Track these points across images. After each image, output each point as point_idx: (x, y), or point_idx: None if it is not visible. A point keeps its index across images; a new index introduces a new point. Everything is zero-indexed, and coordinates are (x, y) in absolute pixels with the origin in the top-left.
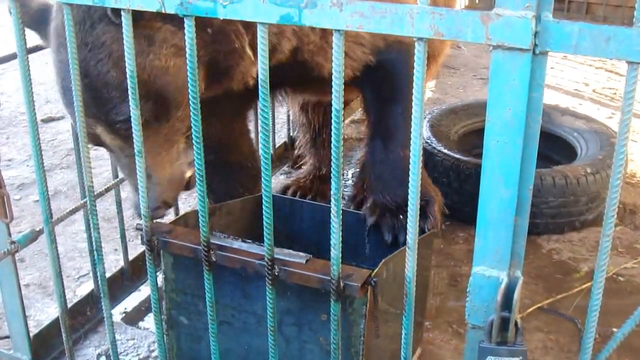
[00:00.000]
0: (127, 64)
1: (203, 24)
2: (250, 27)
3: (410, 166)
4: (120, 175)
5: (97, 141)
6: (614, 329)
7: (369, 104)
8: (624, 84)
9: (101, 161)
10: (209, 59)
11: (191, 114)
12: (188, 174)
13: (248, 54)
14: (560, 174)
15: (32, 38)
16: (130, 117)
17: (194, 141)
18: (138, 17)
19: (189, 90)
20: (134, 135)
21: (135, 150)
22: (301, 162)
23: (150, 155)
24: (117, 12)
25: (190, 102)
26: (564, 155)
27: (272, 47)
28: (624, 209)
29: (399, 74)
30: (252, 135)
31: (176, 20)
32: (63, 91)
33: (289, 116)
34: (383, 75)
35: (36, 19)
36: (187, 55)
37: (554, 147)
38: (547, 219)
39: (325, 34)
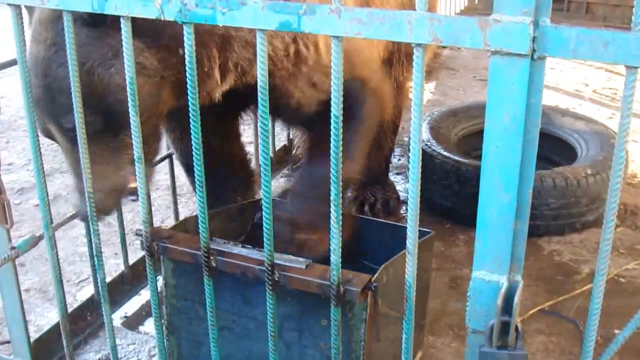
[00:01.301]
0: (126, 72)
1: (176, 46)
2: (225, 50)
3: (410, 169)
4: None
5: (49, 135)
6: (616, 331)
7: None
8: (623, 85)
9: None
10: (176, 79)
11: (191, 122)
12: (132, 184)
13: (215, 77)
14: (561, 175)
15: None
16: (86, 126)
17: (193, 149)
18: (102, 22)
19: (189, 99)
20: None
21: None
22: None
23: (94, 164)
24: (94, 14)
25: (190, 110)
26: (564, 156)
27: (242, 71)
28: (625, 209)
29: (362, 100)
30: (248, 139)
31: (148, 38)
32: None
33: None
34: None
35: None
36: (186, 63)
37: (554, 149)
38: (547, 221)
39: (299, 61)
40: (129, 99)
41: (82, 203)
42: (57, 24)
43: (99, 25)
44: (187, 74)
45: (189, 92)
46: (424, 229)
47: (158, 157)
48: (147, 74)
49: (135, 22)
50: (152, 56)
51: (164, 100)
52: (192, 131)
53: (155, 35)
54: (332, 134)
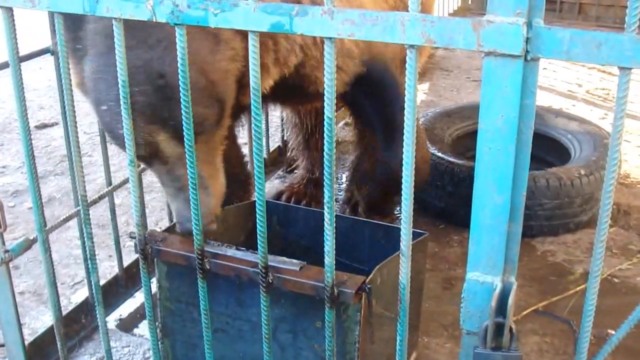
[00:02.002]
0: (119, 74)
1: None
2: (275, 45)
3: (403, 170)
4: (115, 182)
5: (150, 151)
6: (609, 331)
7: (361, 116)
8: (617, 85)
9: (95, 167)
10: (241, 72)
11: (184, 121)
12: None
13: (269, 71)
14: (554, 176)
15: (25, 45)
16: (202, 120)
17: (186, 148)
18: None
19: (182, 98)
20: (186, 143)
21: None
22: (294, 165)
23: (206, 165)
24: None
25: (182, 107)
26: (558, 157)
27: (283, 60)
28: (617, 209)
29: (386, 81)
30: (242, 140)
31: None
32: (114, 99)
33: (282, 120)
34: (373, 85)
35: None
36: (178, 63)
37: (547, 149)
38: (541, 221)
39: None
40: (184, 96)
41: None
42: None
43: None
44: (179, 76)
45: (182, 94)
46: (417, 230)
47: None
48: (236, 59)
49: None
50: (240, 41)
51: (243, 92)
52: (185, 132)
53: None
54: (325, 135)
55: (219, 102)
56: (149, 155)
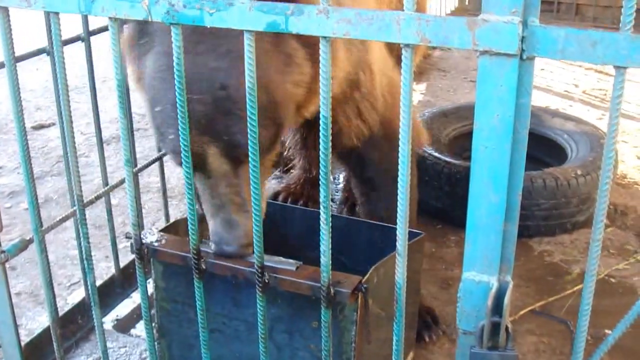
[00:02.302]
0: (114, 75)
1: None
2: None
3: (400, 170)
4: (111, 183)
5: (196, 163)
6: (606, 331)
7: (364, 171)
8: (613, 86)
9: (92, 168)
10: (303, 99)
11: (179, 121)
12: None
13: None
14: (551, 176)
15: (21, 46)
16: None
17: (181, 147)
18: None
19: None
20: (252, 162)
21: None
22: (290, 165)
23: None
24: None
25: (179, 111)
26: (555, 157)
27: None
28: (614, 210)
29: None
30: None
31: (310, 48)
32: (171, 102)
33: None
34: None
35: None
36: (174, 63)
37: (544, 149)
38: (538, 221)
39: (354, 86)
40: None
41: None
42: (230, 31)
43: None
44: (175, 77)
45: (178, 97)
46: (414, 230)
47: (149, 160)
48: (302, 84)
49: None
50: (310, 68)
51: (302, 112)
52: (180, 132)
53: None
54: (321, 134)
55: (276, 124)
56: (194, 166)
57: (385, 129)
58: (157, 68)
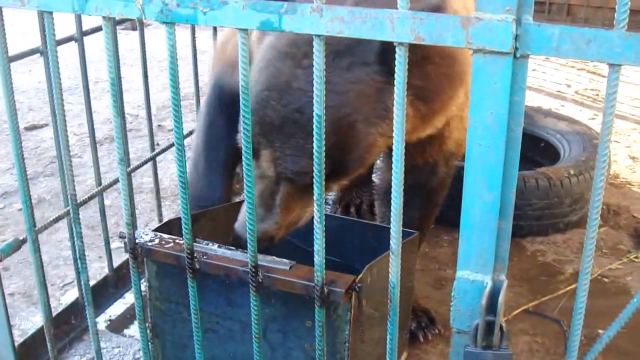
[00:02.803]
0: (108, 73)
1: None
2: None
3: (393, 169)
4: (104, 183)
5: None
6: (600, 331)
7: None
8: (606, 85)
9: (84, 169)
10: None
11: (173, 121)
12: (303, 220)
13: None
14: (544, 175)
15: (12, 46)
16: (301, 170)
17: (175, 146)
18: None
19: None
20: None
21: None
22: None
23: (288, 201)
24: (386, 58)
25: (171, 114)
26: (547, 157)
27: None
28: (607, 209)
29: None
30: None
31: (424, 104)
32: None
33: None
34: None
35: None
36: (168, 63)
37: (536, 149)
38: (531, 221)
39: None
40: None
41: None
42: (340, 58)
43: (391, 71)
44: (169, 78)
45: (174, 96)
46: (408, 230)
47: (142, 161)
48: (387, 134)
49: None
50: (412, 114)
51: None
52: (175, 130)
53: (428, 98)
54: (315, 133)
55: (336, 164)
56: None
57: (459, 147)
58: (263, 55)
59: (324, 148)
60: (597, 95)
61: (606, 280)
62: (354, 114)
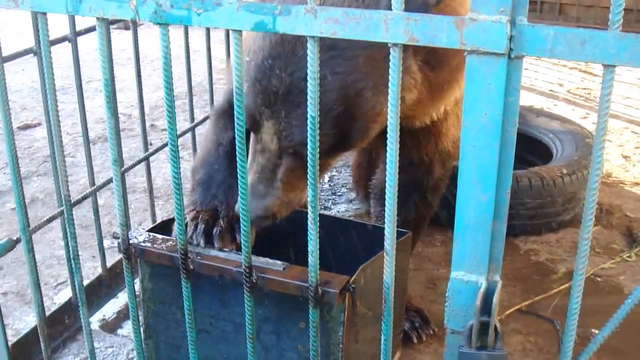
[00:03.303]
0: (102, 74)
1: (450, 79)
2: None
3: (387, 170)
4: (97, 183)
5: (253, 123)
6: (593, 330)
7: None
8: (598, 84)
9: (77, 168)
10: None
11: (167, 121)
12: (304, 200)
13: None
14: (537, 175)
15: (8, 45)
16: (300, 142)
17: (169, 146)
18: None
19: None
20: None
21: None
22: None
23: (290, 177)
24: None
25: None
26: (540, 156)
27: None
28: (600, 209)
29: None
30: None
31: (428, 65)
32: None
33: None
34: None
35: None
36: (162, 64)
37: (529, 148)
38: (524, 221)
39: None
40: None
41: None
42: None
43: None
44: (163, 79)
45: (165, 98)
46: (401, 229)
47: (135, 160)
48: (405, 84)
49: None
50: (420, 80)
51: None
52: (168, 132)
53: (436, 64)
54: (309, 135)
55: (344, 138)
56: (252, 124)
57: (455, 147)
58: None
59: (317, 149)
60: (589, 94)
61: (599, 279)
62: (364, 80)
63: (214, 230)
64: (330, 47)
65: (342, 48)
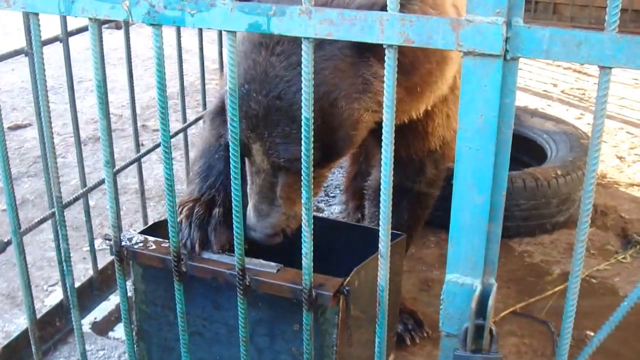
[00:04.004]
0: (94, 75)
1: (422, 83)
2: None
3: (382, 171)
4: (89, 184)
5: (243, 150)
6: (588, 332)
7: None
8: (592, 84)
9: (68, 169)
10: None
11: (160, 123)
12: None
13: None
14: (531, 176)
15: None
16: (293, 157)
17: (162, 148)
18: (367, 49)
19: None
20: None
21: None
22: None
23: (290, 192)
24: (363, 49)
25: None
26: (534, 157)
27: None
28: (595, 210)
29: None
30: None
31: (402, 74)
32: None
33: None
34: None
35: None
36: (155, 66)
37: (523, 149)
38: (518, 222)
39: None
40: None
41: (262, 226)
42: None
43: (363, 52)
44: (156, 80)
45: (158, 96)
46: (395, 232)
47: (127, 161)
48: (376, 109)
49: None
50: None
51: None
52: (162, 134)
53: (408, 72)
54: (303, 136)
55: (329, 148)
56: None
57: (446, 148)
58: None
59: (312, 149)
60: (584, 94)
61: (594, 281)
62: (334, 91)
63: (209, 228)
64: (297, 64)
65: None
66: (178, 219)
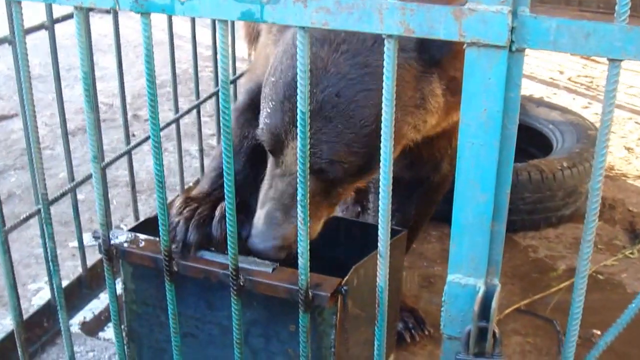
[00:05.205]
0: (81, 67)
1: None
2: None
3: (382, 166)
4: (77, 178)
5: (275, 145)
6: (595, 331)
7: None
8: (600, 72)
9: (57, 161)
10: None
11: (149, 117)
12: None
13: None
14: (536, 168)
15: None
16: (337, 159)
17: (152, 142)
18: (433, 58)
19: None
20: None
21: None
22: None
23: (313, 201)
24: (431, 63)
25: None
26: (540, 148)
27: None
28: (603, 203)
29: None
30: (211, 131)
31: (454, 97)
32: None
33: None
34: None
35: None
36: (144, 56)
37: (528, 140)
38: (522, 216)
39: None
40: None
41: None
42: (357, 40)
43: (430, 67)
44: (145, 69)
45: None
46: (395, 227)
47: (118, 154)
48: (420, 128)
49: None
50: (439, 116)
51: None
52: (150, 128)
53: (455, 90)
54: (299, 131)
55: (369, 155)
56: (273, 147)
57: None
58: (292, 42)
59: (308, 145)
60: (591, 82)
61: (601, 277)
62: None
63: (213, 223)
64: (364, 65)
65: (374, 66)
66: (177, 219)
